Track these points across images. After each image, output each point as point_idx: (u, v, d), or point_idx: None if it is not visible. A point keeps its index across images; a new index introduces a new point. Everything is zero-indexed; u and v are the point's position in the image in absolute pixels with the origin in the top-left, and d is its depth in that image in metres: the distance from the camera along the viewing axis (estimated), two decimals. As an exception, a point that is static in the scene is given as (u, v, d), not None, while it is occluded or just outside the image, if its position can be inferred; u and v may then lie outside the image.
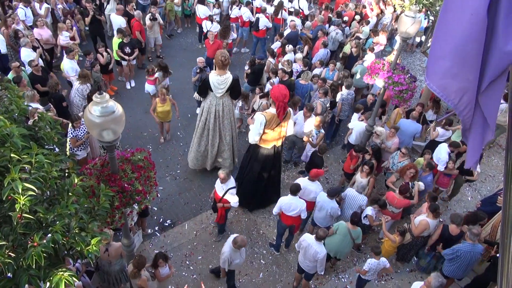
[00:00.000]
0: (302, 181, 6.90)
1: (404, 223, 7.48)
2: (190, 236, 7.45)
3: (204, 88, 7.68)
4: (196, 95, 8.64)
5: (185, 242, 7.35)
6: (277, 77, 9.57)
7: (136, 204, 4.44)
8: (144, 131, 9.72)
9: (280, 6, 12.71)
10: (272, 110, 6.91)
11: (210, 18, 12.14)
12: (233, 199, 6.67)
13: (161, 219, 7.73)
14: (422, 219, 6.62)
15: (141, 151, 4.78)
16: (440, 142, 8.50)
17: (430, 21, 10.69)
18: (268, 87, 9.57)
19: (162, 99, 8.48)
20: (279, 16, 12.77)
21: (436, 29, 2.18)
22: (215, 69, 7.46)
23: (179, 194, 8.26)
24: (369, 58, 10.31)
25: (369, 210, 6.89)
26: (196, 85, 9.22)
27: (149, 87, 9.69)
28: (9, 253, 2.42)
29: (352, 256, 7.55)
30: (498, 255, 5.99)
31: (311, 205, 6.97)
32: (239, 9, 12.74)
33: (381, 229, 7.49)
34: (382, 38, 11.98)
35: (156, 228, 7.57)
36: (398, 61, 7.72)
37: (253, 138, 7.12)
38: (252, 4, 13.39)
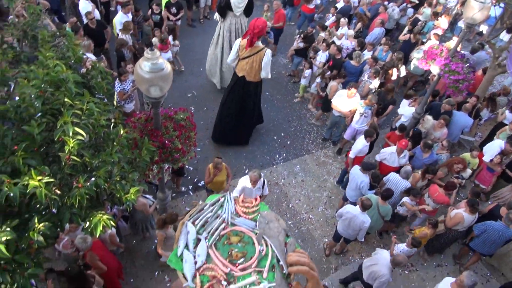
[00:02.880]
0: (389, 148, 7.46)
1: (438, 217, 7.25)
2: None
3: (224, 8, 8.43)
4: (216, 15, 8.84)
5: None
6: (327, 51, 9.34)
7: (174, 161, 4.58)
8: (188, 92, 9.87)
9: None
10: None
11: None
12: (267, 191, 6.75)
13: (196, 179, 7.95)
14: (458, 212, 6.44)
15: (184, 111, 4.88)
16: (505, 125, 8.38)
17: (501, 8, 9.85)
18: (318, 60, 9.39)
19: (217, 168, 6.76)
20: None
21: None
22: None
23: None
24: (430, 44, 9.76)
25: (406, 199, 6.75)
26: None
27: (166, 55, 9.75)
28: (56, 190, 2.58)
29: (378, 242, 7.49)
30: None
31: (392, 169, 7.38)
32: None
33: (412, 221, 7.37)
34: (443, 22, 11.24)
35: (190, 187, 7.81)
36: (458, 49, 7.28)
37: (230, 58, 7.81)
38: None
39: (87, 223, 2.79)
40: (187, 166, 7.91)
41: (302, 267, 1.77)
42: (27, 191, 2.33)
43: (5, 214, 2.64)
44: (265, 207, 2.20)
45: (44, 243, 2.51)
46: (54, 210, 2.69)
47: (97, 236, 2.75)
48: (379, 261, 5.55)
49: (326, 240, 7.26)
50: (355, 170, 6.80)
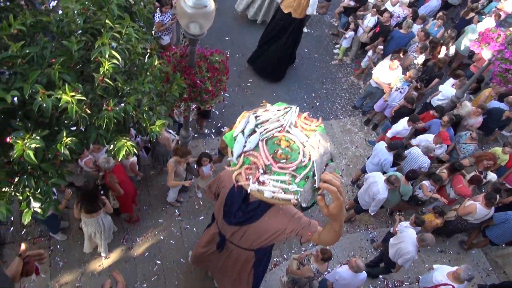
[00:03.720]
0: (426, 136, 7.16)
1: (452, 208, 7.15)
2: (241, 148, 7.69)
3: None
4: None
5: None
6: (376, 16, 8.90)
7: (202, 101, 4.59)
8: (226, 36, 9.68)
9: None
10: None
11: None
12: None
13: (219, 124, 8.00)
14: (473, 203, 6.36)
15: (220, 54, 4.82)
16: None
17: None
18: (365, 24, 8.97)
19: None
20: None
21: None
22: None
23: (242, 107, 8.40)
24: (486, 23, 9.10)
25: (426, 182, 6.65)
26: None
27: None
28: (86, 109, 2.65)
29: (387, 219, 7.51)
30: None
31: None
32: None
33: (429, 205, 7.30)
34: (508, 5, 10.42)
35: (213, 130, 7.89)
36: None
37: None
38: None
39: (112, 146, 2.88)
40: (213, 110, 7.96)
41: (331, 186, 2.08)
42: (59, 105, 2.40)
43: (36, 124, 2.74)
44: (323, 129, 2.44)
45: (69, 157, 2.62)
46: (82, 127, 2.78)
47: (119, 160, 2.85)
48: (405, 239, 5.55)
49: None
50: (380, 147, 6.68)
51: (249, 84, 8.86)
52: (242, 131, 2.30)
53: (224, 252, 4.18)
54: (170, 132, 6.25)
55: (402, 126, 7.11)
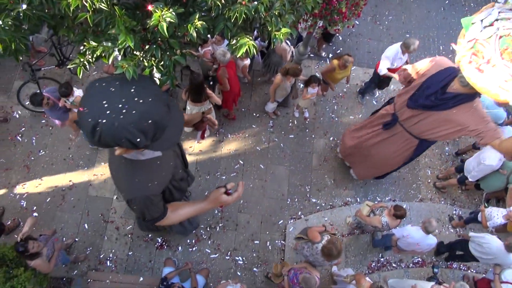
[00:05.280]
0: None
1: None
2: (355, 81, 7.36)
3: None
4: None
5: (345, 84, 7.33)
6: None
7: (331, 22, 4.37)
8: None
9: None
10: None
11: None
12: None
13: (339, 51, 7.66)
14: None
15: (367, -25, 4.41)
16: None
17: None
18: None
19: (343, 65, 6.03)
20: None
21: None
22: None
23: (369, 39, 7.87)
24: None
25: None
26: None
27: None
28: (221, -1, 2.68)
29: (478, 202, 6.91)
30: None
31: None
32: None
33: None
34: None
35: (330, 55, 7.61)
36: None
37: None
38: None
39: (234, 41, 2.93)
40: (337, 35, 7.58)
41: None
42: (200, -14, 2.46)
43: (175, 0, 2.87)
44: None
45: (195, 40, 2.74)
46: (213, 14, 2.84)
47: (238, 56, 2.91)
48: (497, 255, 5.00)
49: (429, 172, 6.91)
50: (510, 129, 5.95)
51: (384, 18, 8.14)
52: (482, 20, 2.45)
53: (385, 133, 4.56)
54: (288, 44, 6.17)
55: None
